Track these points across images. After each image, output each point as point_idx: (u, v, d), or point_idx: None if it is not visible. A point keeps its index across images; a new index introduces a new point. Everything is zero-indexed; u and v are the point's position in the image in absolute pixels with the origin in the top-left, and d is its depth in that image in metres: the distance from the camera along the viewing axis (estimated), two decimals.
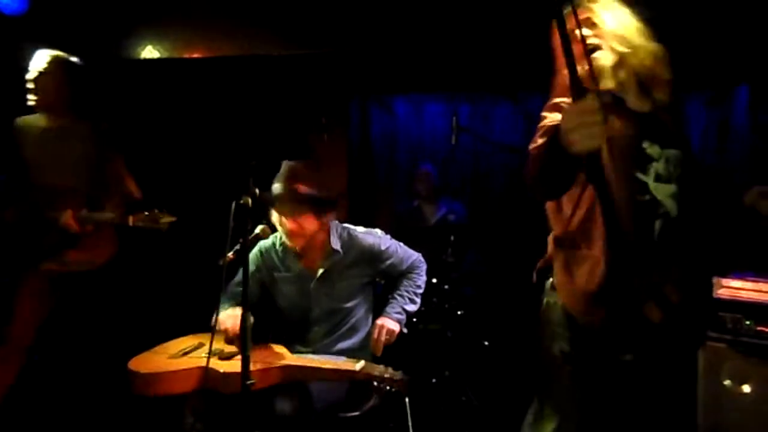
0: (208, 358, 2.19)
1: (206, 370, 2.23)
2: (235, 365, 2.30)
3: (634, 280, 1.65)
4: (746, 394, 2.51)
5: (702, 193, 1.81)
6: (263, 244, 2.66)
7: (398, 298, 2.69)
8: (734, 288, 2.64)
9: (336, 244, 2.62)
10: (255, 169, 2.62)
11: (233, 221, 2.06)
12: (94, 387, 3.13)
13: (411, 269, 2.76)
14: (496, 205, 4.69)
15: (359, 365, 2.30)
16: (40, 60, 2.86)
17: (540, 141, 1.65)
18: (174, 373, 2.31)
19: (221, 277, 2.21)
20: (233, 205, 2.07)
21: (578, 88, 1.42)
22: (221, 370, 2.27)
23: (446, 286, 3.81)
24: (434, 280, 3.77)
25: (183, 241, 3.67)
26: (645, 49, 1.76)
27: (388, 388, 2.26)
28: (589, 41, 1.71)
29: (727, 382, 2.54)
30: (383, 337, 2.54)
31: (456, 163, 4.73)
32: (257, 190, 2.50)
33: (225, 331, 2.43)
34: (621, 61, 1.74)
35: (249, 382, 1.96)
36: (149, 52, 3.83)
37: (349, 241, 2.66)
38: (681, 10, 3.12)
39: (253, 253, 2.64)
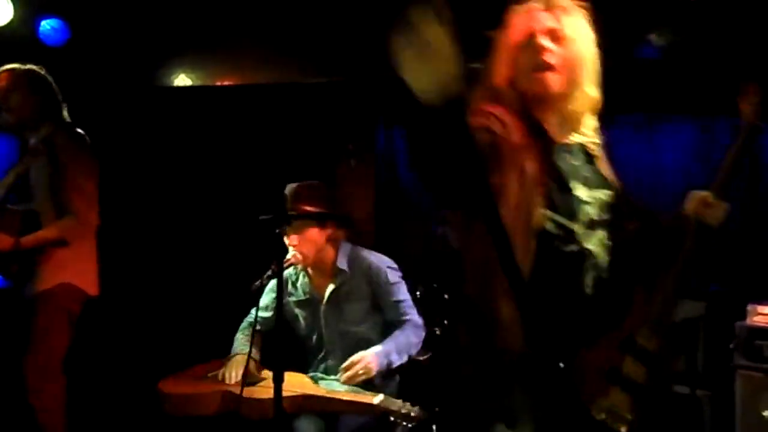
0: (243, 383, 2.22)
1: (238, 395, 2.25)
2: (257, 391, 2.35)
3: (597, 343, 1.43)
4: None
5: (638, 236, 1.59)
6: None
7: (388, 344, 2.52)
8: None
9: (343, 263, 2.60)
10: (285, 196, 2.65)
11: (265, 247, 2.09)
12: (124, 409, 3.16)
13: (408, 326, 2.60)
14: None
15: (378, 399, 2.27)
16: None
17: None
18: (201, 396, 2.39)
19: (252, 302, 2.24)
20: (264, 229, 2.11)
21: None
22: (244, 395, 2.29)
23: None
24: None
25: (214, 267, 3.73)
26: (590, 89, 1.53)
27: (405, 424, 2.23)
28: (546, 56, 1.47)
29: (766, 413, 2.48)
30: (358, 368, 2.40)
31: None
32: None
33: (223, 377, 2.46)
34: (570, 92, 1.50)
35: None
36: (182, 80, 3.92)
37: (355, 260, 2.63)
38: (707, 35, 3.08)
39: (274, 282, 2.65)
